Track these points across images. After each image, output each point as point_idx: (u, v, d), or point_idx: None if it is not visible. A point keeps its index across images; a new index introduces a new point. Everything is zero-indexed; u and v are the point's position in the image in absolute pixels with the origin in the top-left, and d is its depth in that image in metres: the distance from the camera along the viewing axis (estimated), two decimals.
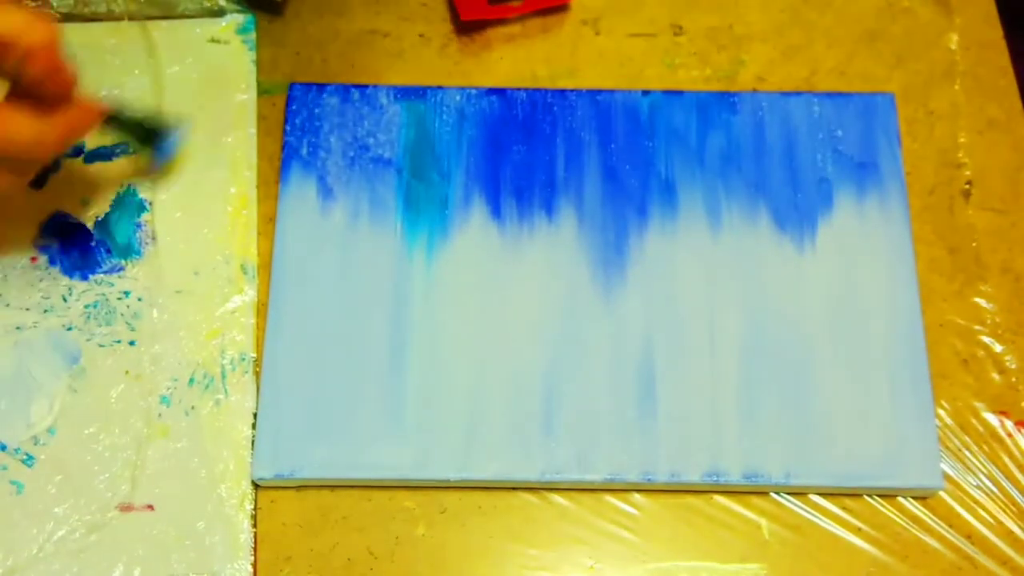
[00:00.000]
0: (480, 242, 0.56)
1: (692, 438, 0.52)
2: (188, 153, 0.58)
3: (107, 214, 0.57)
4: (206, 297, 0.55)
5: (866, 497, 0.53)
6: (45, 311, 0.55)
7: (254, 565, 0.51)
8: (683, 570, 0.51)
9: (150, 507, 0.52)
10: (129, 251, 0.56)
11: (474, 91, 0.59)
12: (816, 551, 0.52)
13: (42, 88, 0.45)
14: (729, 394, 0.53)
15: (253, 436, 0.53)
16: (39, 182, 0.56)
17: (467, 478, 0.52)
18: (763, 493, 0.53)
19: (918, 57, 0.62)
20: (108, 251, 0.56)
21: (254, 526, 0.52)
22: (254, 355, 0.55)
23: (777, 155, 0.58)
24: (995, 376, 0.55)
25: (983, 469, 0.53)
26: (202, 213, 0.57)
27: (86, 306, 0.55)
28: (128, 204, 0.57)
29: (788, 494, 0.53)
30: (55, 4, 0.61)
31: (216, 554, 0.51)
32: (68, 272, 0.55)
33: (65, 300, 0.55)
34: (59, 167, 0.57)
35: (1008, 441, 0.54)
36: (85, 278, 0.55)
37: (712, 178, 0.58)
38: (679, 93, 0.59)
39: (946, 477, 0.53)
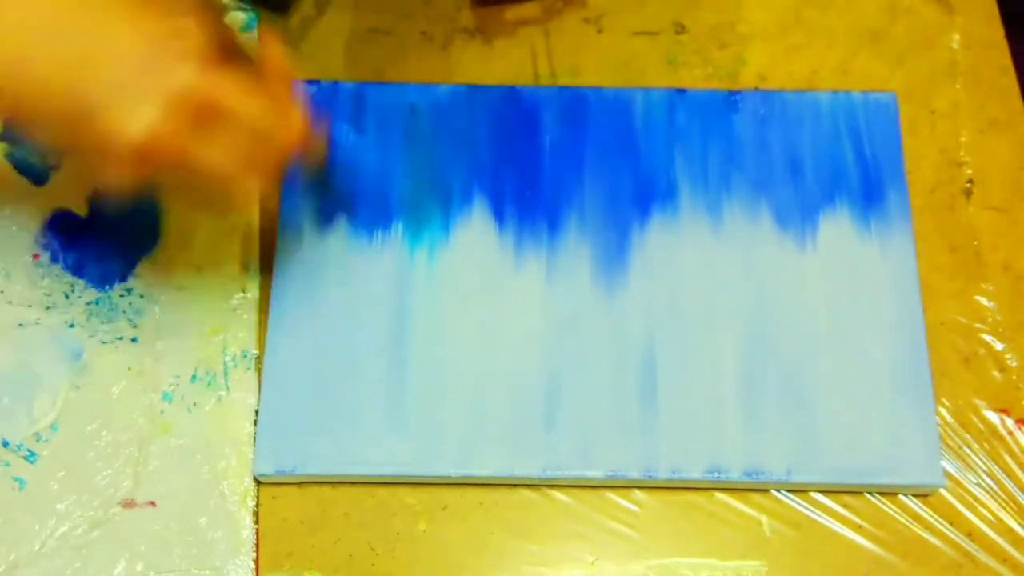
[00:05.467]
0: (482, 239, 0.56)
1: (693, 435, 0.52)
2: None
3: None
4: (208, 294, 0.56)
5: (867, 494, 0.53)
6: (47, 308, 0.55)
7: (256, 561, 0.51)
8: (684, 567, 0.52)
9: (152, 503, 0.52)
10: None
11: (476, 89, 0.60)
12: (817, 548, 0.52)
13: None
14: (730, 391, 0.53)
15: (255, 432, 0.53)
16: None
17: (468, 474, 0.52)
18: (764, 490, 0.53)
19: (920, 56, 0.62)
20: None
21: (256, 522, 0.52)
22: (256, 352, 0.55)
23: (778, 153, 0.58)
24: (996, 374, 0.55)
25: (984, 467, 0.53)
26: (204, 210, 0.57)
27: (88, 303, 0.55)
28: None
29: (789, 491, 0.53)
30: None
31: (218, 550, 0.51)
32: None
33: (67, 297, 0.55)
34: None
35: (1009, 439, 0.54)
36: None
37: (714, 176, 0.58)
38: (681, 91, 0.60)
39: (947, 475, 0.53)
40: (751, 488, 0.53)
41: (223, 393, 0.54)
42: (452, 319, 0.54)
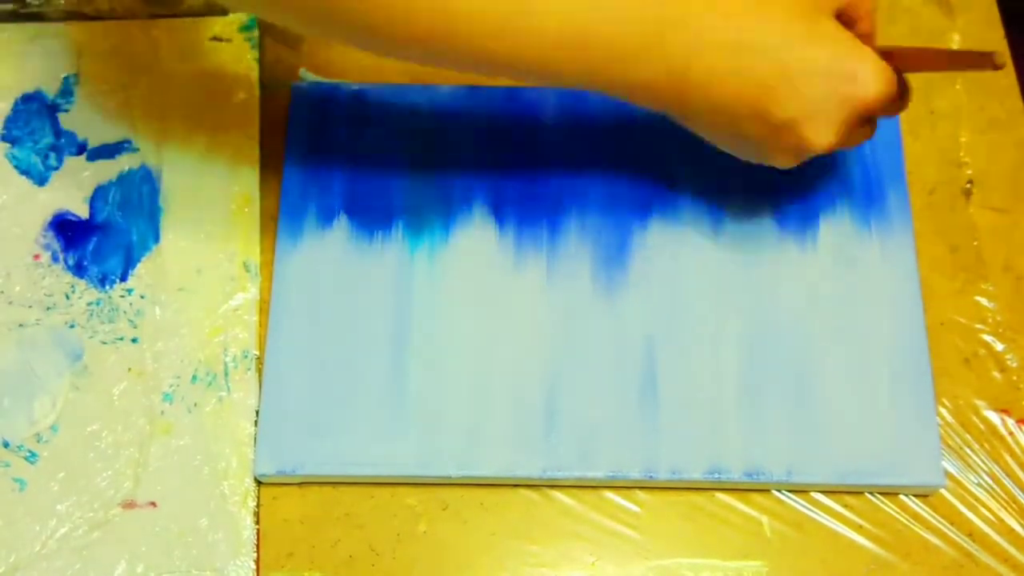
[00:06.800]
0: (482, 239, 0.56)
1: (694, 435, 0.52)
2: (191, 151, 0.58)
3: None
4: (209, 294, 0.56)
5: (867, 495, 0.53)
6: (48, 308, 0.55)
7: (256, 562, 0.51)
8: (685, 567, 0.52)
9: (153, 504, 0.52)
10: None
11: (477, 90, 0.60)
12: (817, 548, 0.52)
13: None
14: (731, 392, 0.53)
15: (255, 433, 0.53)
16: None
17: (469, 475, 0.52)
18: (765, 490, 0.53)
19: None
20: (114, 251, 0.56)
21: (256, 523, 0.52)
22: (256, 352, 0.55)
23: None
24: (996, 374, 0.55)
25: (984, 467, 0.53)
26: (205, 211, 0.57)
27: (89, 303, 0.55)
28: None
29: (790, 491, 0.53)
30: (59, 3, 0.61)
31: (219, 551, 0.51)
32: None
33: (68, 298, 0.55)
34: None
35: (1009, 439, 0.54)
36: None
37: (714, 177, 0.58)
38: None
39: (947, 475, 0.53)
40: (752, 488, 0.53)
41: (224, 394, 0.54)
42: (452, 319, 0.54)
